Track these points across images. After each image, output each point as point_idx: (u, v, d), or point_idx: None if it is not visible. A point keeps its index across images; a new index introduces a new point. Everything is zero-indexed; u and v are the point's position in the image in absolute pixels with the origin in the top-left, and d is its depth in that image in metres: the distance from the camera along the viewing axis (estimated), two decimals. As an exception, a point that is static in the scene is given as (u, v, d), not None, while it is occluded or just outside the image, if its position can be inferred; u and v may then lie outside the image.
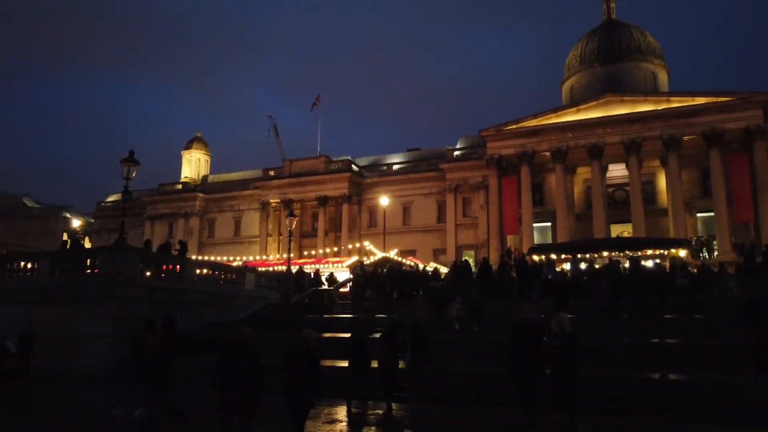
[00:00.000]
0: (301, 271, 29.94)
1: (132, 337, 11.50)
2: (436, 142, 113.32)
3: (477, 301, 18.83)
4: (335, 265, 37.96)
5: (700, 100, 42.36)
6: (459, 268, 24.95)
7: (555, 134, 46.14)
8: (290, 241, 30.81)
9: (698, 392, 11.12)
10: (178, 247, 24.14)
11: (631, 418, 10.41)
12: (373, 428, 10.77)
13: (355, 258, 39.04)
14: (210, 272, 23.82)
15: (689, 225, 43.17)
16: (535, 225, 46.96)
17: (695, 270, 24.76)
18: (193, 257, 38.44)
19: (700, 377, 11.86)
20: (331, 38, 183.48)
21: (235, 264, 36.56)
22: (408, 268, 31.19)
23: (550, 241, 46.30)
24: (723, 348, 13.60)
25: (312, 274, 29.65)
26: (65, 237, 54.60)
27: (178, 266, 21.70)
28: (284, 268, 30.71)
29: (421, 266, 33.53)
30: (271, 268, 37.51)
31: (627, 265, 23.06)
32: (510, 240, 47.04)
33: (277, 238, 58.21)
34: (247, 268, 28.02)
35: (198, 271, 22.80)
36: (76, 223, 68.10)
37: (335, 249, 51.97)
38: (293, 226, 29.28)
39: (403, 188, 55.62)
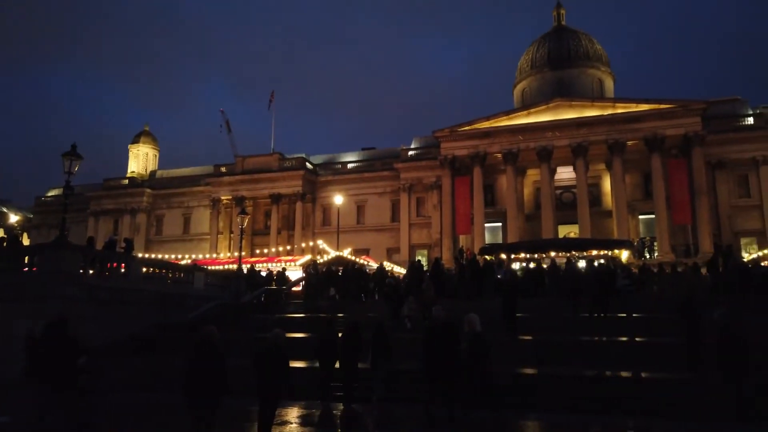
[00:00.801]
0: (252, 269, 29.48)
1: (28, 337, 11.09)
2: (391, 141, 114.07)
3: (427, 300, 19.03)
4: (288, 263, 37.58)
5: (643, 107, 44.17)
6: (412, 267, 25.15)
7: (506, 136, 47.14)
8: (242, 239, 30.29)
9: (639, 388, 11.61)
10: (123, 244, 23.32)
11: (575, 414, 10.75)
12: (328, 429, 10.77)
13: (308, 257, 38.75)
14: (157, 271, 23.12)
15: (632, 226, 44.96)
16: (486, 225, 47.86)
17: (636, 270, 25.80)
18: (140, 255, 37.26)
19: (641, 374, 12.34)
20: (286, 36, 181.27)
21: (183, 262, 35.67)
22: (368, 269, 31.24)
23: (500, 241, 47.29)
24: (660, 346, 14.23)
25: (264, 273, 29.22)
26: (1, 233, 51.91)
27: (123, 265, 20.98)
28: (235, 266, 30.16)
29: (374, 265, 33.59)
30: (221, 267, 36.82)
31: (570, 265, 23.77)
32: (462, 240, 47.76)
33: (229, 236, 57.11)
34: (196, 267, 27.39)
35: (145, 270, 22.10)
36: (13, 218, 64.84)
37: (288, 247, 51.45)
38: (245, 224, 28.77)
39: (357, 187, 55.60)
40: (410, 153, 54.72)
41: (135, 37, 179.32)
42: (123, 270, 20.85)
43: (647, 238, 44.61)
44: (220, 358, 8.03)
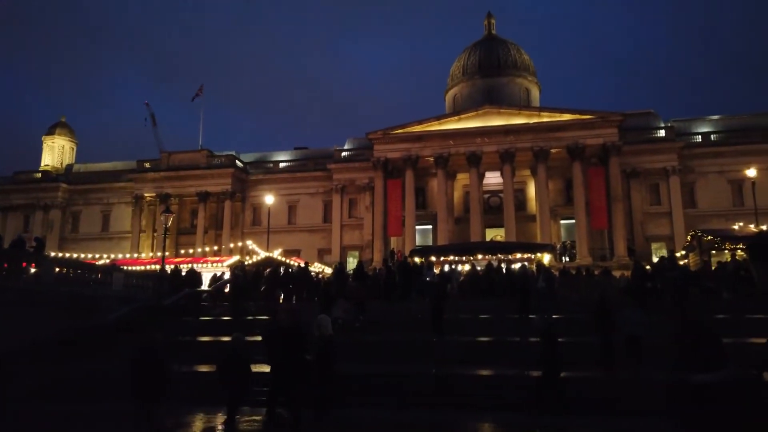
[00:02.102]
0: (176, 270, 28.37)
1: None
2: (324, 142, 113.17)
3: (358, 300, 19.28)
4: (215, 264, 36.43)
5: (566, 117, 46.34)
6: (338, 270, 25.24)
7: (438, 141, 48.03)
8: (165, 238, 29.08)
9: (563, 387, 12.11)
10: (34, 243, 21.80)
11: (485, 412, 11.13)
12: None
13: (236, 257, 37.75)
14: (72, 271, 21.76)
15: (554, 231, 47.02)
16: (417, 227, 48.55)
17: (557, 273, 26.95)
18: (53, 254, 34.98)
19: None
20: (216, 30, 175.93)
21: (102, 262, 33.81)
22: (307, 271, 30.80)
23: (431, 243, 48.10)
24: (577, 345, 14.83)
25: (186, 273, 28.16)
26: None
27: (33, 264, 19.60)
28: (158, 267, 28.90)
29: (302, 265, 33.20)
30: (143, 267, 35.17)
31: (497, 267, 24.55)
32: (394, 241, 48.22)
33: (152, 235, 54.74)
34: (115, 267, 26.03)
35: (58, 270, 20.74)
36: None
37: (215, 248, 49.93)
38: (169, 223, 27.61)
39: (289, 187, 54.88)
40: (344, 154, 54.63)
41: (55, 29, 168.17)
42: (34, 270, 19.49)
43: (568, 242, 46.80)
44: (162, 362, 8.75)
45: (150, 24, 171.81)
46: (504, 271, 25.73)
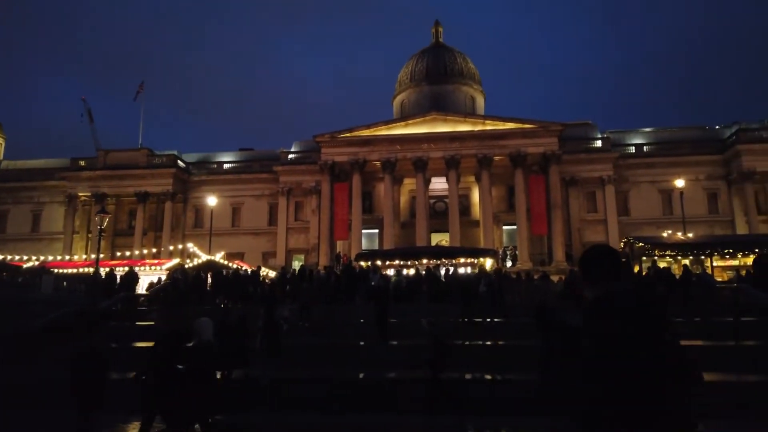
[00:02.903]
0: (112, 273, 27.25)
1: None
2: (271, 144, 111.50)
3: (305, 302, 19.41)
4: (153, 267, 35.27)
5: (510, 125, 47.64)
6: (281, 273, 25.05)
7: (385, 145, 48.32)
8: (100, 239, 27.87)
9: (500, 389, 12.39)
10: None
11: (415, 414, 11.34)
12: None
13: (176, 260, 36.64)
14: (-5, 274, 20.52)
15: (497, 236, 48.18)
16: (364, 231, 48.60)
17: (497, 278, 27.58)
18: (-25, 256, 32.90)
19: (502, 375, 13.12)
20: (159, 28, 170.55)
21: (30, 264, 32.07)
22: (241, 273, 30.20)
23: (377, 247, 48.25)
24: (518, 348, 15.20)
25: (123, 276, 27.11)
26: None
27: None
28: (92, 270, 27.67)
29: (248, 269, 32.65)
30: (76, 270, 33.59)
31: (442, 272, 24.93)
32: (340, 245, 48.11)
33: (86, 237, 52.36)
34: (44, 269, 24.76)
35: (-21, 273, 19.52)
36: None
37: (154, 250, 48.26)
38: (104, 224, 26.53)
39: (233, 188, 53.80)
40: (290, 156, 54.08)
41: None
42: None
43: (510, 247, 48.02)
44: (103, 364, 8.66)
45: (89, 19, 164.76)
46: (449, 275, 26.15)
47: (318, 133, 49.62)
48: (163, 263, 35.73)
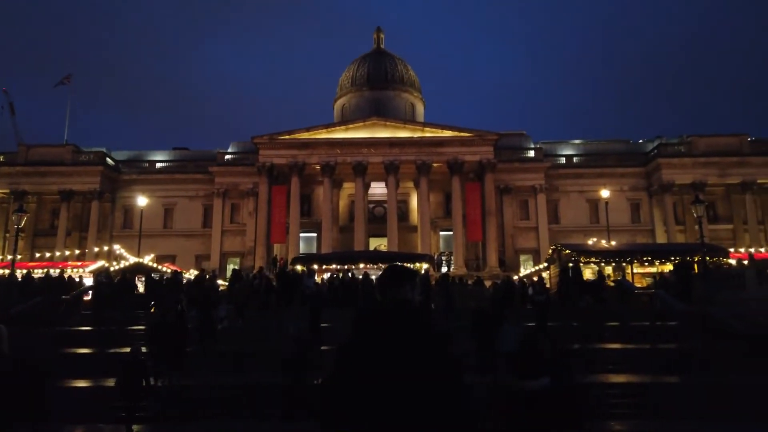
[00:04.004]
0: (29, 275, 25.66)
1: None
2: (207, 144, 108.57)
3: (240, 304, 19.28)
4: (76, 269, 33.49)
5: (448, 133, 48.61)
6: (213, 275, 24.57)
7: (325, 149, 48.12)
8: (17, 239, 26.20)
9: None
10: None
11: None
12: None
13: (102, 263, 34.96)
14: None
15: (434, 242, 48.95)
16: (302, 235, 48.16)
17: (434, 282, 27.99)
18: None
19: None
20: (88, 23, 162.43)
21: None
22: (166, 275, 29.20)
23: (315, 251, 47.98)
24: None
25: (42, 279, 25.60)
26: None
27: None
28: (7, 271, 25.96)
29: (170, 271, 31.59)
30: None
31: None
32: (277, 248, 47.44)
33: (3, 236, 49.07)
34: (-48, 272, 22.98)
35: None
36: None
37: (78, 252, 45.83)
38: (22, 223, 24.97)
39: (166, 188, 51.94)
40: (227, 157, 52.87)
41: None
42: None
43: (446, 252, 48.89)
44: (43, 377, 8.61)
45: (12, 9, 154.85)
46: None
47: (256, 134, 48.80)
48: (87, 265, 33.98)
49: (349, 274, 27.41)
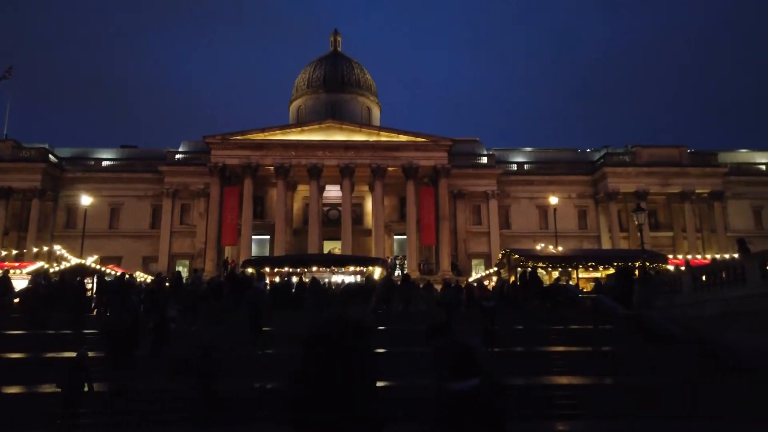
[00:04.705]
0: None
1: None
2: (157, 142, 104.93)
3: (189, 303, 19.21)
4: (14, 270, 31.87)
5: (403, 138, 48.96)
6: (160, 279, 24.10)
7: (280, 150, 47.60)
8: (-52, 239, 24.75)
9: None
10: None
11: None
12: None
13: (40, 264, 33.42)
14: None
15: (387, 245, 49.15)
16: (254, 237, 47.45)
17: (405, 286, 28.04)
18: None
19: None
20: (31, 16, 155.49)
21: None
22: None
23: (268, 253, 47.34)
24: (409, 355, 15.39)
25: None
26: None
27: None
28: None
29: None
30: None
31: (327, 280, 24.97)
32: (228, 251, 46.56)
33: (-68, 235, 46.26)
34: None
35: None
36: None
37: (16, 252, 43.59)
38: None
39: (113, 187, 50.20)
40: (177, 156, 51.58)
41: None
42: None
43: (399, 256, 49.17)
44: None
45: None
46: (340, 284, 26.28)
47: (208, 134, 47.84)
48: (26, 266, 32.40)
49: (293, 278, 27.28)
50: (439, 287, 27.07)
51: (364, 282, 26.85)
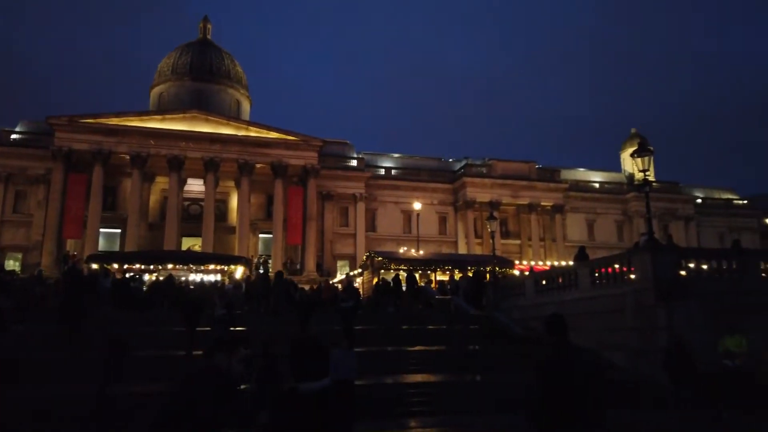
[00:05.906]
0: None
1: None
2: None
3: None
4: None
5: (273, 135, 47.98)
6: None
7: (136, 138, 44.19)
8: None
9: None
10: None
11: None
12: None
13: None
14: None
15: (252, 244, 47.78)
16: (103, 230, 43.52)
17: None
18: None
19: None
20: None
21: None
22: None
23: (118, 248, 43.72)
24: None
25: None
26: None
27: None
28: None
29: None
30: None
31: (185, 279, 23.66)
32: (71, 244, 42.16)
33: None
34: None
35: None
36: None
37: None
38: None
39: (-74, 167, 43.12)
40: (14, 137, 45.72)
41: None
42: None
43: (263, 255, 48.02)
44: None
45: None
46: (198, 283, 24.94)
47: (53, 114, 43.00)
48: None
49: (145, 276, 25.52)
50: (306, 287, 26.95)
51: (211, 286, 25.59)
